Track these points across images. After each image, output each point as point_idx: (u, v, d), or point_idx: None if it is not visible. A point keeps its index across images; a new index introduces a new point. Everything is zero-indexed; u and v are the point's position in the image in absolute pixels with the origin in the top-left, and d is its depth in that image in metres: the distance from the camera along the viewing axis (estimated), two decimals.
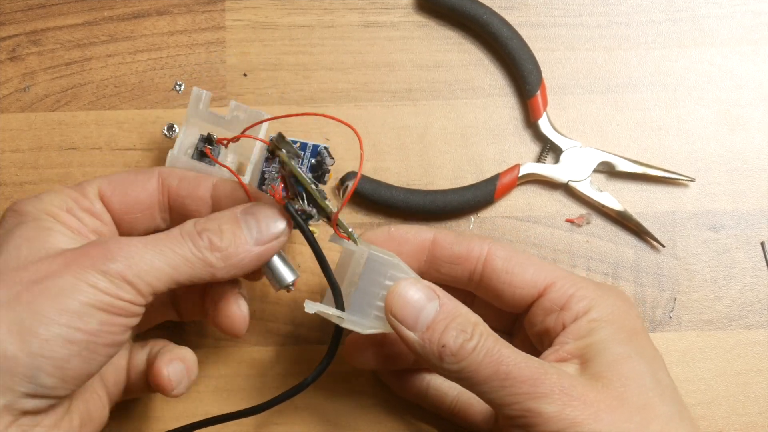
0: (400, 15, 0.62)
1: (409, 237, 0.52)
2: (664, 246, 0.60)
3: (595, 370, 0.47)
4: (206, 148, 0.55)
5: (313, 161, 0.51)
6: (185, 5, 0.62)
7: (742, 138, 0.61)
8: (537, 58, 0.60)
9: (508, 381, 0.45)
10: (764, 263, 0.60)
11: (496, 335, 0.47)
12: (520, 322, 0.54)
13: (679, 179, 0.60)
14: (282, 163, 0.47)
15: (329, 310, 0.49)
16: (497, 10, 0.60)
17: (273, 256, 0.49)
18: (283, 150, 0.47)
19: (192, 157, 0.55)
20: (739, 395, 0.58)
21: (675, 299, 0.59)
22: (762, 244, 0.60)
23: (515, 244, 0.60)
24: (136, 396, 0.55)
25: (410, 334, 0.47)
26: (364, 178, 0.59)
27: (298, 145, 0.50)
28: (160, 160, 0.60)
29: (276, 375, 0.58)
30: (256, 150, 0.54)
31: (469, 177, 0.60)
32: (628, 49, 0.62)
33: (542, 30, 0.62)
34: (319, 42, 0.62)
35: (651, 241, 0.60)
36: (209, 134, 0.55)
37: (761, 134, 0.61)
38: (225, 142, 0.53)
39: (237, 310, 0.50)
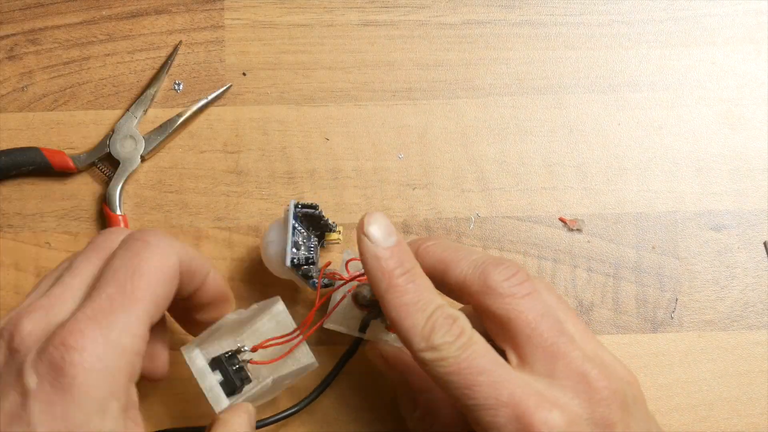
0: (400, 14, 0.62)
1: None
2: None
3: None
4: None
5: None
6: (184, 4, 0.62)
7: (743, 137, 0.61)
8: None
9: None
10: (766, 263, 0.59)
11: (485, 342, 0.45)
12: None
13: None
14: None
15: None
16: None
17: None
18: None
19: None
20: (741, 396, 0.58)
21: (677, 300, 0.59)
22: (764, 244, 0.60)
23: (515, 244, 0.60)
24: None
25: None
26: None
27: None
28: (159, 160, 0.60)
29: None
30: None
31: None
32: (629, 48, 0.61)
33: (543, 29, 0.62)
34: (319, 41, 0.61)
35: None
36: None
37: (763, 134, 0.61)
38: None
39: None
